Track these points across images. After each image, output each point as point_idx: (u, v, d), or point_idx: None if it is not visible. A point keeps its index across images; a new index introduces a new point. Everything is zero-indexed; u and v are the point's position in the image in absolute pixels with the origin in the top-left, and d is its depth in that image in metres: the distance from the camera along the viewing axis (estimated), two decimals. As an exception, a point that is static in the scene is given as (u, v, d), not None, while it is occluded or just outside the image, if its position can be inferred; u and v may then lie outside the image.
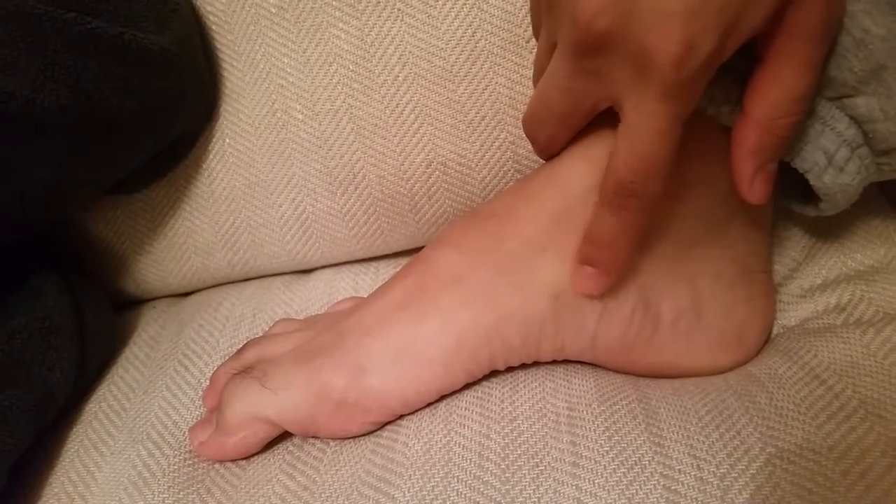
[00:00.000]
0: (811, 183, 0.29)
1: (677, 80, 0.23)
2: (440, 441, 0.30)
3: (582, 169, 0.27)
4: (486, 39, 0.37)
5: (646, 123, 0.25)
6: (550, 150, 0.31)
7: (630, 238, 0.28)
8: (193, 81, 0.38)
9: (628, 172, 0.26)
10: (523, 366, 0.33)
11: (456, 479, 0.28)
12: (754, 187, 0.27)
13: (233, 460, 0.32)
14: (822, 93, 0.27)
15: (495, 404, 0.31)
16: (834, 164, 0.28)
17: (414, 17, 0.37)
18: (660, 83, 0.23)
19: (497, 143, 0.38)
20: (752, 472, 0.26)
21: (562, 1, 0.25)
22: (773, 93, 0.25)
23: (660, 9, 0.23)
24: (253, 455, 0.32)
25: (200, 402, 0.36)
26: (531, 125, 0.31)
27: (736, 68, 0.27)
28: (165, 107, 0.37)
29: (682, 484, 0.26)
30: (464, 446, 0.29)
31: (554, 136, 0.30)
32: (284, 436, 0.33)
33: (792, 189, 0.31)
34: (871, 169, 0.28)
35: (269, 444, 0.32)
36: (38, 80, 0.30)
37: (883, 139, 0.27)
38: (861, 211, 0.35)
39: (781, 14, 0.24)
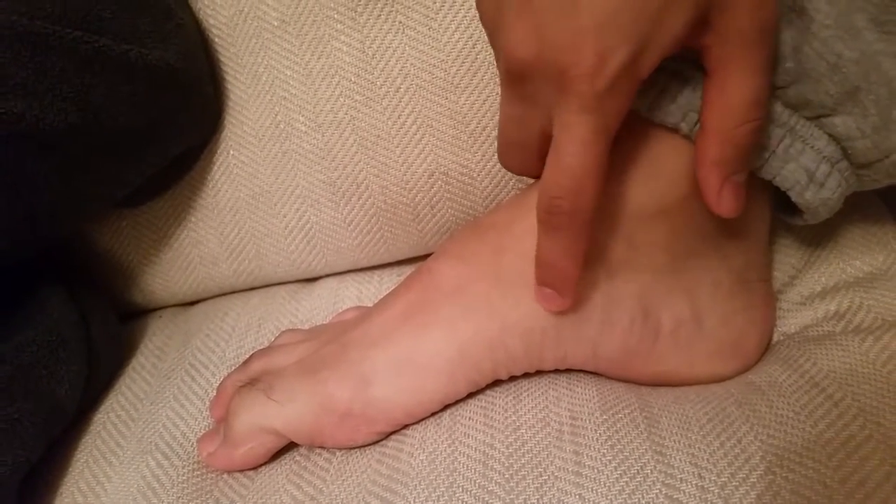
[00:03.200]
0: (793, 199, 0.29)
1: (593, 91, 0.24)
2: (445, 450, 0.30)
3: None
4: (487, 51, 0.37)
5: (567, 135, 0.25)
6: (528, 176, 0.32)
7: (568, 258, 0.28)
8: (198, 95, 0.39)
9: (555, 187, 0.26)
10: (526, 374, 0.33)
11: (461, 489, 0.28)
12: (723, 200, 0.27)
13: (241, 471, 0.33)
14: (800, 112, 0.28)
15: (499, 413, 0.31)
16: (815, 181, 0.28)
17: (415, 29, 0.38)
18: (576, 96, 0.24)
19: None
20: (752, 480, 0.26)
21: (493, 37, 0.27)
22: (722, 102, 0.25)
23: (572, 27, 0.23)
24: (260, 465, 0.33)
25: (208, 413, 0.36)
26: (501, 157, 0.31)
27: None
28: (171, 121, 0.37)
29: (684, 493, 0.26)
30: (468, 455, 0.30)
31: (523, 163, 0.30)
32: (291, 446, 0.33)
33: (777, 200, 0.32)
34: (852, 181, 0.29)
35: (277, 454, 0.33)
36: (46, 99, 0.30)
37: (862, 155, 0.28)
38: (860, 218, 0.36)
39: (711, 23, 0.24)
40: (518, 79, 0.26)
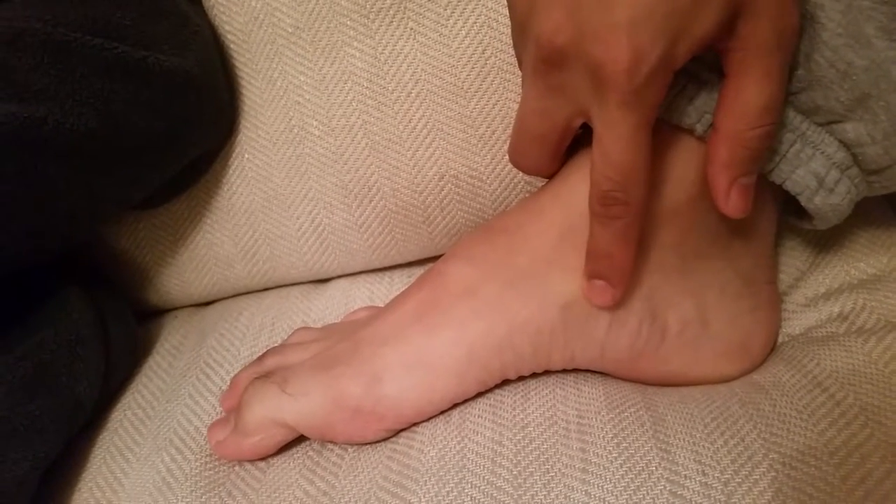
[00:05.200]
0: (802, 204, 0.29)
1: (631, 87, 0.24)
2: (454, 448, 0.31)
3: (584, 188, 0.28)
4: (497, 56, 0.38)
5: (611, 133, 0.26)
6: (539, 175, 0.32)
7: (625, 246, 0.29)
8: (214, 100, 0.40)
9: (606, 182, 0.27)
10: (534, 374, 0.33)
11: (469, 485, 0.29)
12: (731, 201, 0.27)
13: (249, 460, 0.33)
14: (811, 118, 0.28)
15: (507, 412, 0.32)
16: (825, 187, 0.29)
17: (426, 35, 0.39)
18: (616, 92, 0.25)
19: (507, 157, 0.39)
20: (755, 477, 0.27)
21: (526, 25, 0.27)
22: (737, 106, 0.26)
23: (607, 21, 0.24)
24: (272, 458, 0.33)
25: (221, 408, 0.37)
26: (514, 154, 0.32)
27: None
28: (188, 126, 0.38)
29: (688, 489, 0.27)
30: (477, 453, 0.30)
31: (538, 161, 0.31)
32: (304, 440, 0.34)
33: (787, 203, 0.32)
34: (862, 187, 0.29)
35: (289, 449, 0.34)
36: (67, 104, 0.31)
37: (872, 161, 0.28)
38: (864, 220, 0.36)
39: (735, 28, 0.25)
40: (550, 67, 0.26)
